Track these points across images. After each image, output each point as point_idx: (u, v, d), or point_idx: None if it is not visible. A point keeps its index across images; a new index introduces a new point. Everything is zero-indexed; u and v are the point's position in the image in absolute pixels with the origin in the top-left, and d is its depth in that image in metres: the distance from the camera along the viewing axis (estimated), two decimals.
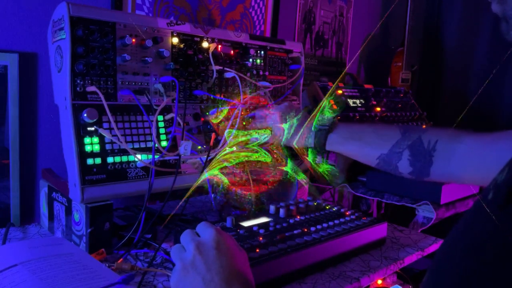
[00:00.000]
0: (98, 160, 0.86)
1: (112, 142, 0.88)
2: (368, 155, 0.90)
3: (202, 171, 0.95)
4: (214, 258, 0.57)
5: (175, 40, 1.01)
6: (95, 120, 0.86)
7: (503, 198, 0.38)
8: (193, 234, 0.62)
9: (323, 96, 1.44)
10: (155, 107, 0.95)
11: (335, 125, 0.94)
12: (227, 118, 1.05)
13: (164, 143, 0.96)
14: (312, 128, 0.96)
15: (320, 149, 0.95)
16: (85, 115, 0.84)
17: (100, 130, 0.86)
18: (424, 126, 1.50)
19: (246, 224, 0.91)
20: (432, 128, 0.86)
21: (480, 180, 0.78)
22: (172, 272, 0.60)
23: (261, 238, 0.83)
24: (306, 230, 0.88)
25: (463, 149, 0.76)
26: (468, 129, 0.79)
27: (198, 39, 1.05)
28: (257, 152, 1.03)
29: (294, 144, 0.99)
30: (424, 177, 0.83)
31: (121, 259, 0.81)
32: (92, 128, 0.86)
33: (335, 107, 1.44)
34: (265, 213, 0.98)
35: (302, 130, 0.97)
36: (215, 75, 1.07)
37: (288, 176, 1.09)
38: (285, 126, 0.99)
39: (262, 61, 1.20)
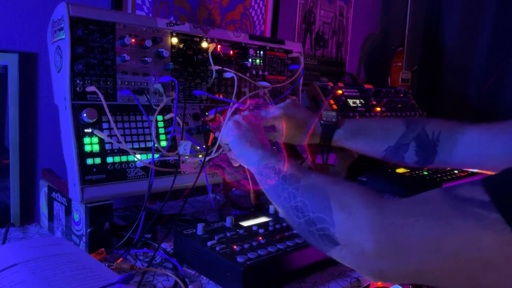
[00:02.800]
0: (97, 160, 0.86)
1: (111, 142, 0.88)
2: (376, 148, 0.92)
3: (200, 171, 0.95)
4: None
5: (174, 40, 1.01)
6: (94, 120, 0.86)
7: None
8: None
9: (323, 96, 1.44)
10: (154, 107, 0.95)
11: (341, 121, 0.95)
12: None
13: (163, 143, 0.96)
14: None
15: (327, 145, 0.96)
16: (85, 115, 0.84)
17: (96, 131, 0.86)
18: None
19: (245, 224, 0.91)
20: (434, 120, 0.89)
21: (483, 167, 0.83)
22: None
23: (260, 238, 0.83)
24: None
25: (466, 139, 0.80)
26: (469, 122, 0.83)
27: (198, 39, 1.05)
28: None
29: (298, 142, 0.99)
30: (429, 164, 0.87)
31: (120, 259, 0.81)
32: (90, 130, 0.86)
33: (335, 107, 1.44)
34: (265, 213, 0.98)
35: (306, 127, 0.97)
36: (214, 75, 1.07)
37: None
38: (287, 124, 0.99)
39: (261, 61, 1.20)
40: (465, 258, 0.44)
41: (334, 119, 0.94)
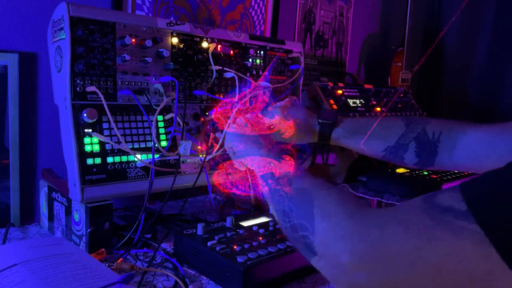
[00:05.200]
0: (98, 160, 0.86)
1: (112, 142, 0.88)
2: (375, 148, 0.91)
3: (200, 171, 0.95)
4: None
5: (174, 40, 1.01)
6: (95, 120, 0.86)
7: None
8: None
9: (323, 96, 1.44)
10: (154, 107, 0.95)
11: (340, 120, 0.94)
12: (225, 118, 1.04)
13: (164, 143, 0.96)
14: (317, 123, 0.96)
15: (325, 144, 0.95)
16: (85, 115, 0.84)
17: (94, 134, 0.85)
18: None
19: (246, 223, 0.91)
20: (435, 119, 0.87)
21: (483, 168, 0.80)
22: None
23: (261, 238, 0.83)
24: None
25: (466, 140, 0.79)
26: (470, 122, 0.81)
27: (198, 39, 1.05)
28: None
29: (297, 141, 0.99)
30: (429, 166, 0.85)
31: (120, 259, 0.81)
32: (91, 129, 0.86)
33: (335, 107, 1.44)
34: (265, 213, 0.98)
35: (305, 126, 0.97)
36: (214, 75, 1.07)
37: None
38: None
39: (261, 61, 1.20)
40: (446, 271, 0.42)
41: (332, 118, 0.94)
